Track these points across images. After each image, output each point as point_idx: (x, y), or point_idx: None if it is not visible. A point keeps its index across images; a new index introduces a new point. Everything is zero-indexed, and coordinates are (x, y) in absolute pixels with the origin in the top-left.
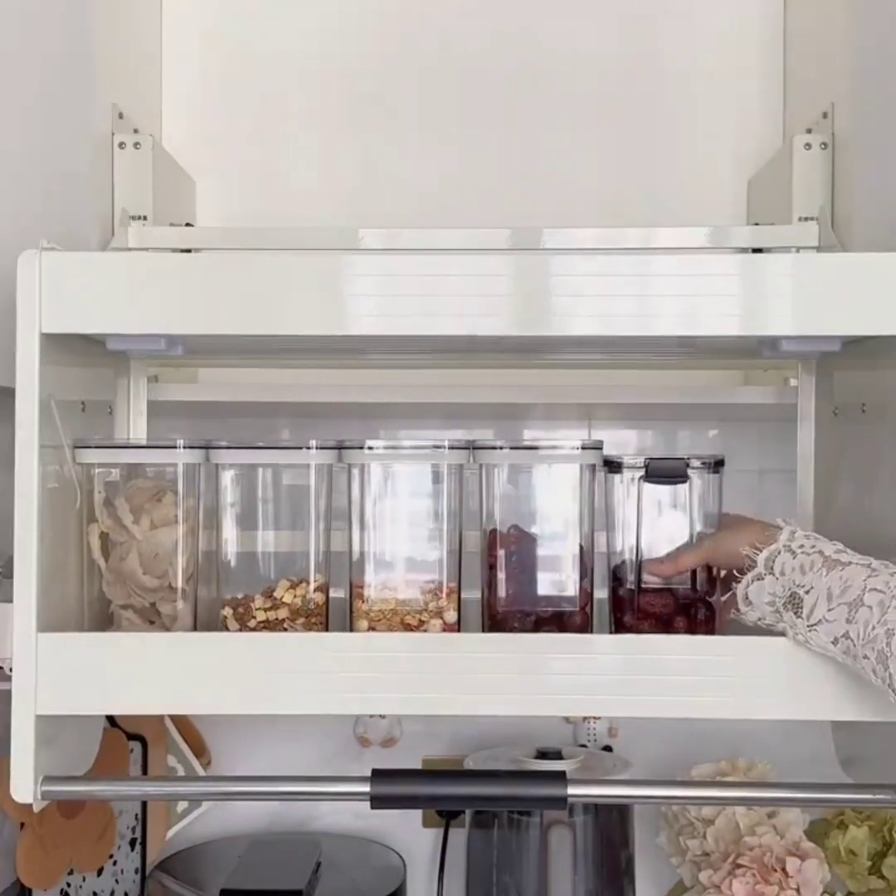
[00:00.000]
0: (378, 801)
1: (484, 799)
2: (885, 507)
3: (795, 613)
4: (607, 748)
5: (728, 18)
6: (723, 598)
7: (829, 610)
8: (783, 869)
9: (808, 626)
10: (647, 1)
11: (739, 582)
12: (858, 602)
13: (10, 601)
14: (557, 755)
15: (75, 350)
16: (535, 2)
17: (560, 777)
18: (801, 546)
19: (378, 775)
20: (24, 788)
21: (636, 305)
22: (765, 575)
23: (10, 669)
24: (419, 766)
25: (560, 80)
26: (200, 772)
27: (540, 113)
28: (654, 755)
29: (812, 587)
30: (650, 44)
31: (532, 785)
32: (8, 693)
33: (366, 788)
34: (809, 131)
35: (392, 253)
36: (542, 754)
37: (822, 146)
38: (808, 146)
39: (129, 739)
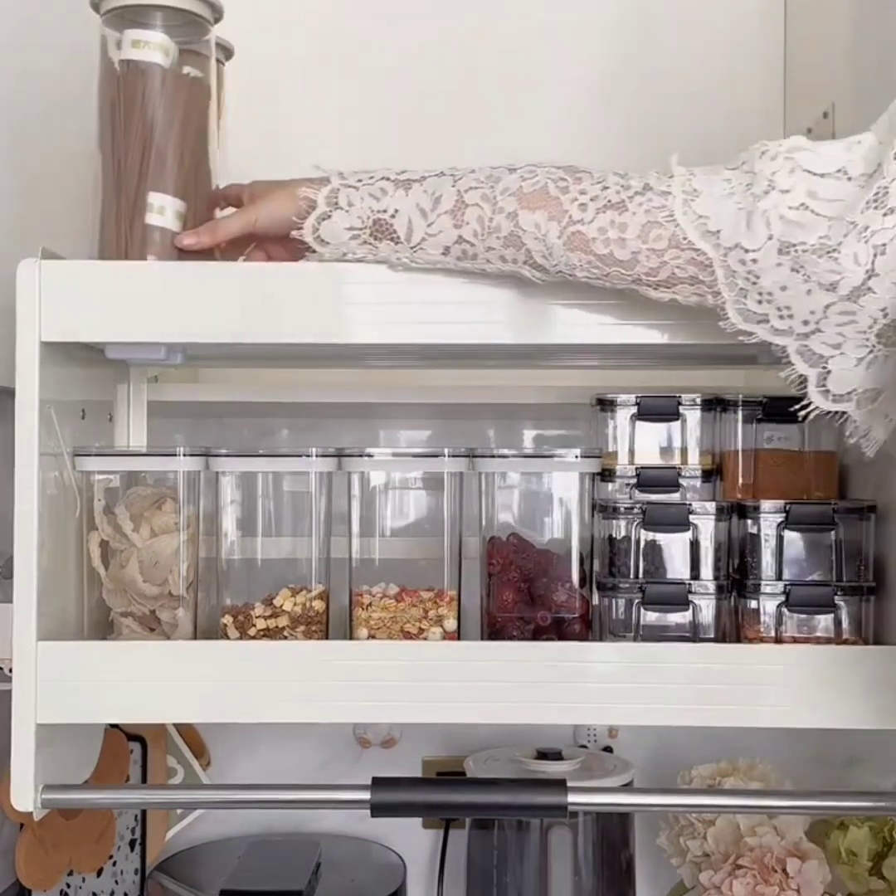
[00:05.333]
0: (378, 810)
1: (484, 807)
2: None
3: (392, 240)
4: (607, 749)
5: (728, 19)
6: (294, 233)
7: (430, 224)
8: (784, 870)
9: (411, 247)
10: (647, 1)
11: None
12: (460, 205)
13: (10, 601)
14: (558, 756)
15: (75, 356)
16: (536, 4)
17: (560, 785)
18: (360, 179)
19: (378, 783)
20: (24, 797)
21: (636, 314)
22: (331, 212)
23: (10, 670)
24: (419, 767)
25: (560, 80)
26: (200, 772)
27: (539, 110)
28: (655, 756)
29: (397, 209)
30: (650, 44)
31: (533, 793)
32: (8, 693)
33: (366, 796)
34: (809, 131)
35: None
36: (543, 755)
37: None
38: None
39: (128, 740)
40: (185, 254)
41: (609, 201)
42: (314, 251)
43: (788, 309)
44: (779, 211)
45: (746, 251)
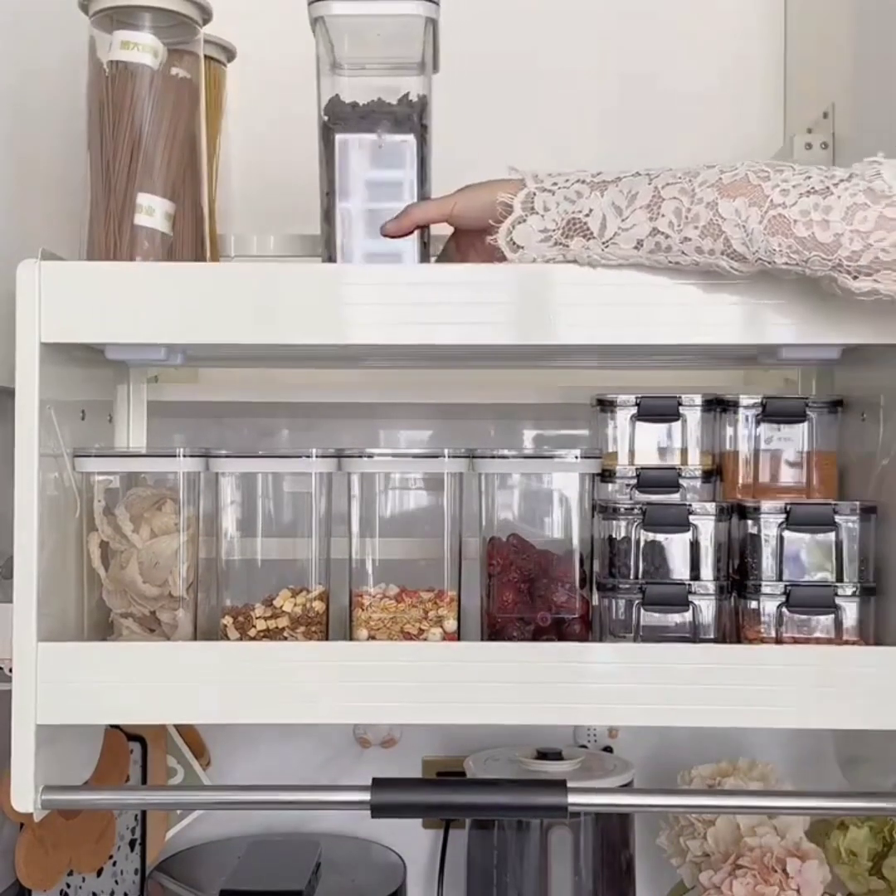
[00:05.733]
0: (378, 811)
1: (484, 808)
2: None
3: (585, 237)
4: (607, 749)
5: (728, 19)
6: (489, 239)
7: (624, 219)
8: (784, 870)
9: (603, 243)
10: (647, 1)
11: None
12: (657, 199)
13: (10, 602)
14: (558, 756)
15: (75, 357)
16: (535, 3)
17: (561, 785)
18: (555, 183)
19: (378, 784)
20: (25, 798)
21: (636, 314)
22: (527, 216)
23: (10, 670)
24: (419, 767)
25: (560, 80)
26: (200, 772)
27: (539, 110)
28: (655, 755)
29: (592, 209)
30: (650, 44)
31: (533, 793)
32: (8, 694)
33: (366, 797)
34: (809, 131)
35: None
36: (543, 755)
37: (823, 146)
38: (808, 146)
39: (128, 740)
40: (177, 254)
41: (812, 187)
42: (505, 257)
43: None
44: None
45: None
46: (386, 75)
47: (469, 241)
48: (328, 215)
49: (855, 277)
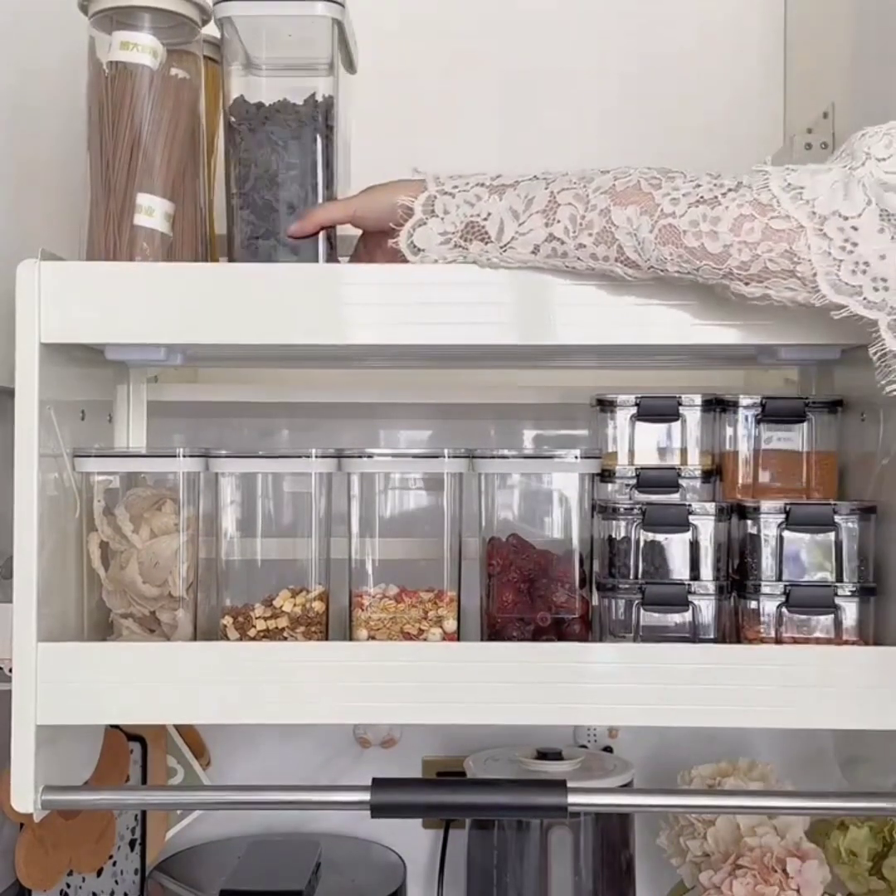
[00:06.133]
0: (378, 811)
1: (485, 808)
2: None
3: (483, 240)
4: (607, 749)
5: (728, 18)
6: (391, 242)
7: (521, 223)
8: (784, 870)
9: (500, 247)
10: (647, 1)
11: None
12: (553, 204)
13: (10, 601)
14: (558, 756)
15: (75, 357)
16: (536, 4)
17: (561, 785)
18: (455, 186)
19: (378, 784)
20: (25, 798)
21: (635, 314)
22: (427, 219)
23: (10, 670)
24: (419, 767)
25: (559, 80)
26: (200, 772)
27: (539, 111)
28: (655, 755)
29: (490, 213)
30: (650, 44)
31: (533, 794)
32: (8, 694)
33: (366, 797)
34: (809, 131)
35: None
36: (543, 755)
37: (823, 146)
38: (808, 146)
39: (128, 740)
40: (177, 255)
41: (702, 197)
42: (405, 259)
43: (884, 281)
44: (876, 176)
45: (845, 218)
46: (293, 76)
47: (376, 241)
48: (231, 214)
49: (746, 284)
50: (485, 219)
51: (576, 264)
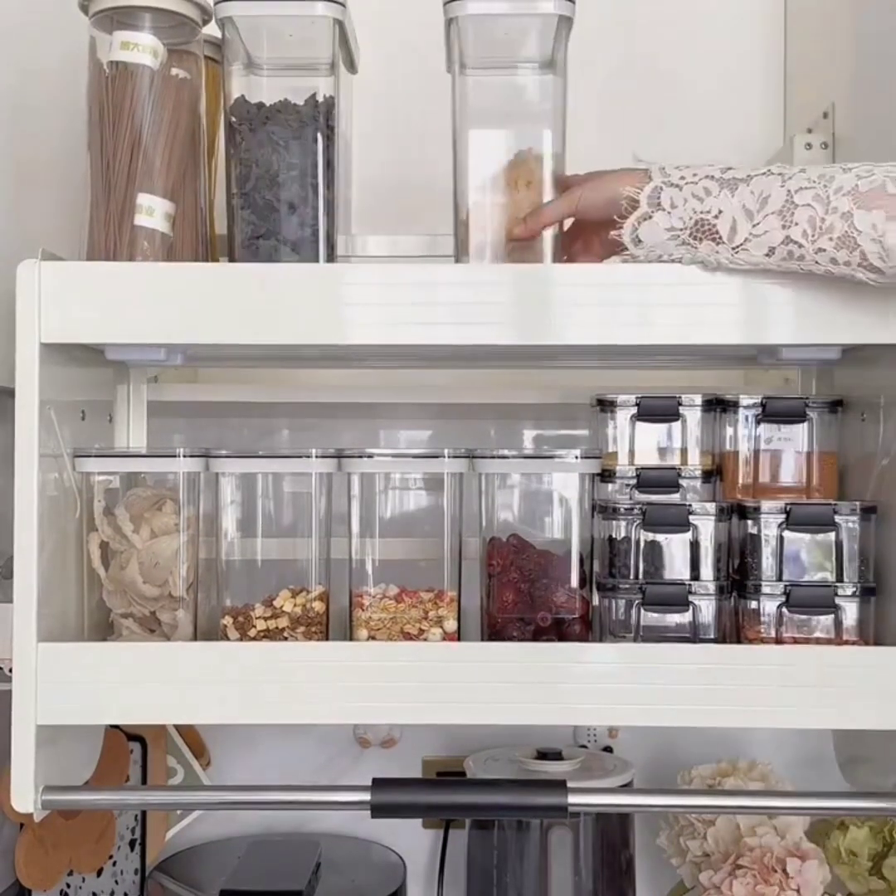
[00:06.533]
0: (378, 811)
1: (485, 808)
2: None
3: (714, 240)
4: (607, 749)
5: (728, 18)
6: (613, 234)
7: (755, 224)
8: (784, 870)
9: (733, 247)
10: (648, 2)
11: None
12: (790, 205)
13: (11, 601)
14: (558, 756)
15: (75, 357)
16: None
17: (561, 786)
18: (683, 177)
19: (378, 784)
20: (25, 798)
21: (636, 314)
22: (653, 212)
23: (10, 670)
24: (419, 767)
25: None
26: (200, 772)
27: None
28: (655, 755)
29: (721, 210)
30: (650, 44)
31: (533, 794)
32: (8, 694)
33: (366, 797)
34: (809, 131)
35: (391, 261)
36: (543, 755)
37: (823, 146)
38: (808, 146)
39: (128, 740)
40: (177, 255)
41: None
42: (629, 252)
43: None
44: None
45: None
46: (294, 76)
47: (595, 231)
48: (232, 214)
49: None
50: (716, 216)
51: (813, 268)
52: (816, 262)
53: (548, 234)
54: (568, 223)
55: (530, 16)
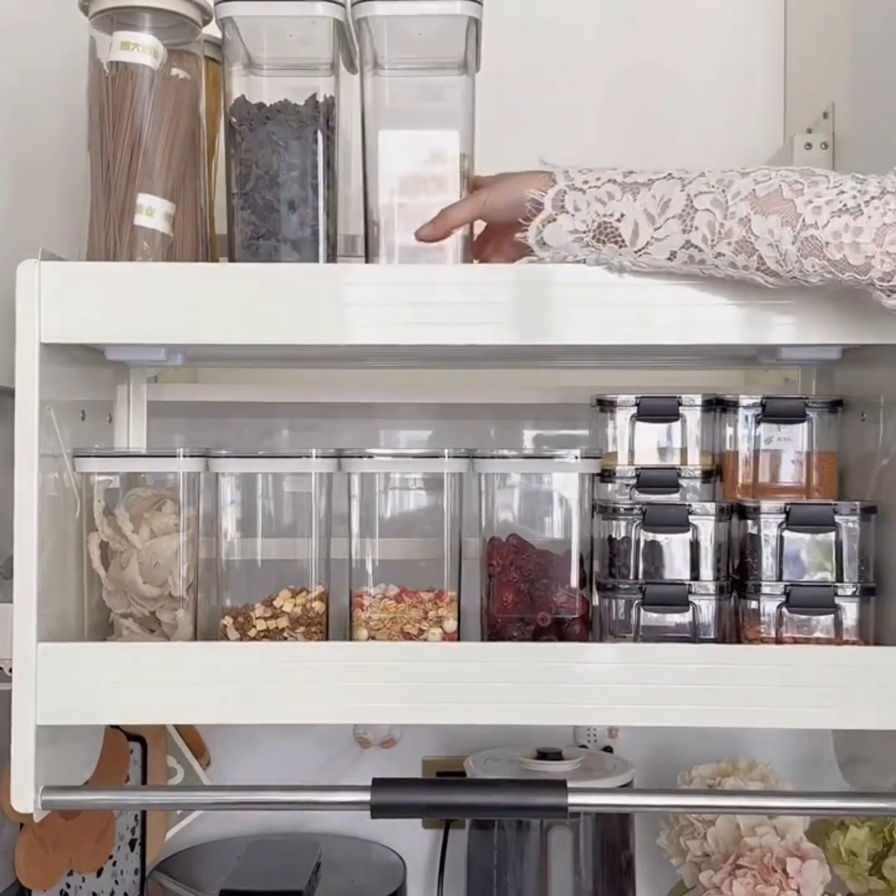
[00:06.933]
0: (378, 811)
1: (485, 808)
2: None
3: (617, 243)
4: (607, 749)
5: (728, 19)
6: (518, 236)
7: (657, 228)
8: (784, 870)
9: (635, 251)
10: (648, 2)
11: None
12: (690, 210)
13: (10, 601)
14: (558, 756)
15: (75, 357)
16: (535, 4)
17: (561, 786)
18: (586, 181)
19: (378, 784)
20: (25, 799)
21: (636, 314)
22: (557, 215)
23: (10, 670)
24: (419, 767)
25: (560, 80)
26: (200, 772)
27: (537, 109)
28: (655, 755)
29: (624, 214)
30: (650, 44)
31: (533, 794)
32: (8, 694)
33: (366, 797)
34: (809, 131)
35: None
36: (543, 755)
37: (823, 146)
38: (808, 146)
39: (128, 740)
40: (177, 255)
41: (844, 206)
42: (534, 254)
43: None
44: None
45: None
46: (295, 76)
47: (503, 233)
48: (232, 214)
49: (889, 295)
50: (618, 220)
51: (713, 272)
52: (716, 267)
53: (457, 236)
54: (480, 226)
55: (440, 17)
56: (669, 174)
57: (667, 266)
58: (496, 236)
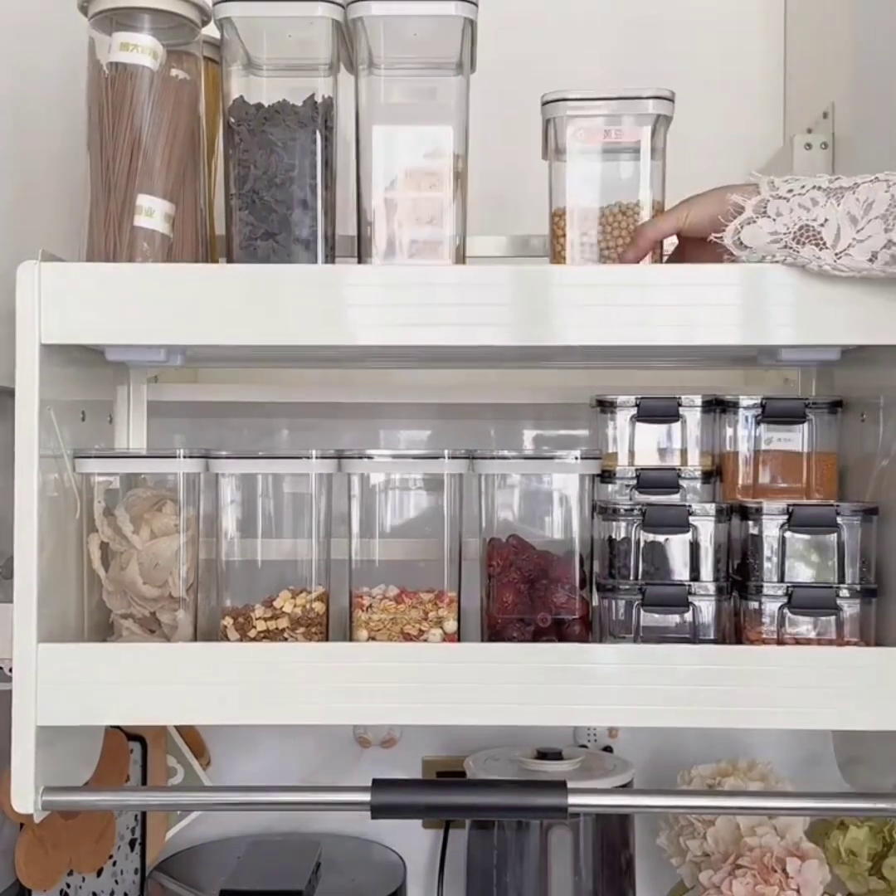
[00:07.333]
0: (379, 811)
1: (484, 809)
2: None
3: (817, 246)
4: (607, 749)
5: (728, 19)
6: (714, 236)
7: (859, 230)
8: (783, 870)
9: (836, 253)
10: (648, 2)
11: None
12: (893, 208)
13: (10, 602)
14: (558, 756)
15: (75, 358)
16: (536, 4)
17: (560, 786)
18: (791, 190)
19: (378, 785)
20: (25, 799)
21: (636, 315)
22: (757, 218)
23: (10, 670)
24: (419, 767)
25: (559, 80)
26: (200, 772)
27: (538, 111)
28: (655, 755)
29: (827, 219)
30: (650, 44)
31: (533, 795)
32: (8, 694)
33: (366, 798)
34: (809, 131)
35: (393, 262)
36: (543, 755)
37: (823, 146)
38: (808, 146)
39: (128, 740)
40: (177, 255)
41: None
42: (733, 256)
43: None
44: None
45: None
46: (293, 77)
47: (697, 245)
48: (230, 215)
49: None
50: (821, 224)
51: None
52: None
53: (451, 236)
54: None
55: (435, 17)
56: (876, 177)
57: (867, 268)
58: (689, 255)
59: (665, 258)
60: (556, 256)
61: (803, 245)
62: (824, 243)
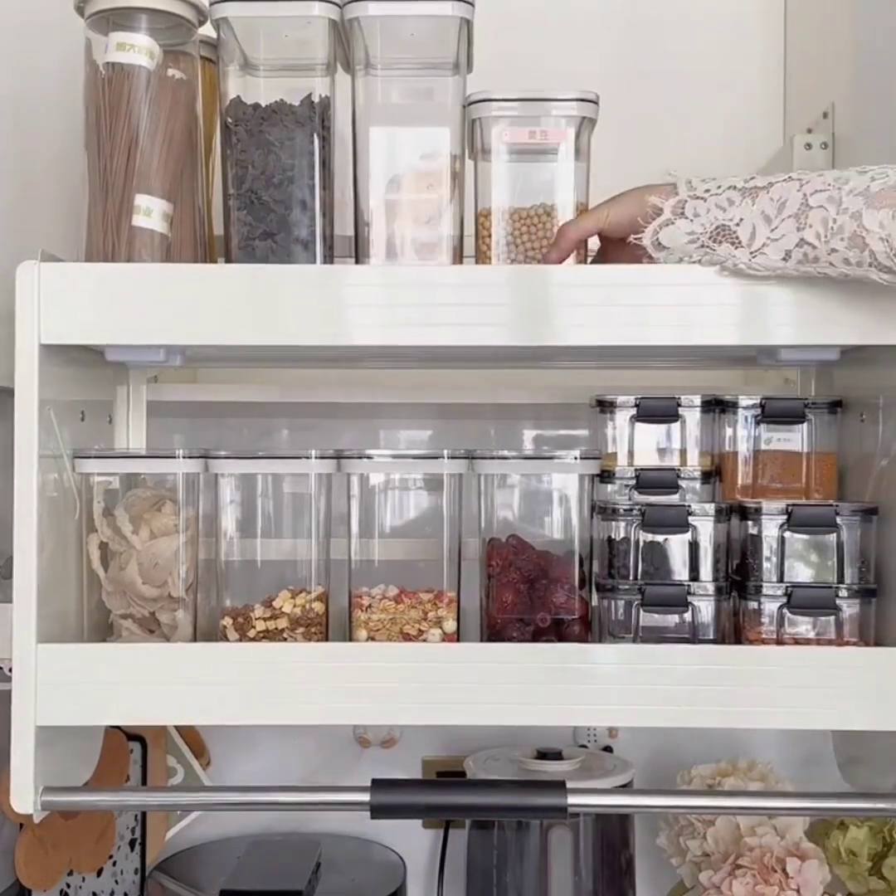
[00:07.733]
0: (378, 812)
1: (484, 809)
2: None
3: (733, 244)
4: (607, 749)
5: (728, 19)
6: (633, 238)
7: (773, 229)
8: (783, 870)
9: (751, 252)
10: (648, 2)
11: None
12: (805, 207)
13: (10, 602)
14: (557, 756)
15: (74, 358)
16: (536, 4)
17: (560, 786)
18: (708, 190)
19: (378, 785)
20: (24, 799)
21: (636, 315)
22: (675, 219)
23: (10, 670)
24: (419, 767)
25: (560, 81)
26: (200, 772)
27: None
28: (655, 756)
29: (742, 218)
30: (650, 44)
31: (532, 795)
32: (8, 694)
33: (366, 798)
34: (809, 131)
35: (392, 262)
36: (542, 755)
37: (823, 146)
38: (808, 146)
39: (128, 740)
40: (175, 255)
41: None
42: (651, 257)
43: None
44: None
45: None
46: (291, 77)
47: (618, 245)
48: (228, 215)
49: None
50: (737, 224)
51: (828, 270)
52: (831, 264)
53: (445, 235)
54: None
55: (432, 17)
56: (790, 176)
57: (781, 267)
58: (609, 253)
59: (590, 259)
60: (482, 257)
61: (719, 244)
62: (740, 242)
